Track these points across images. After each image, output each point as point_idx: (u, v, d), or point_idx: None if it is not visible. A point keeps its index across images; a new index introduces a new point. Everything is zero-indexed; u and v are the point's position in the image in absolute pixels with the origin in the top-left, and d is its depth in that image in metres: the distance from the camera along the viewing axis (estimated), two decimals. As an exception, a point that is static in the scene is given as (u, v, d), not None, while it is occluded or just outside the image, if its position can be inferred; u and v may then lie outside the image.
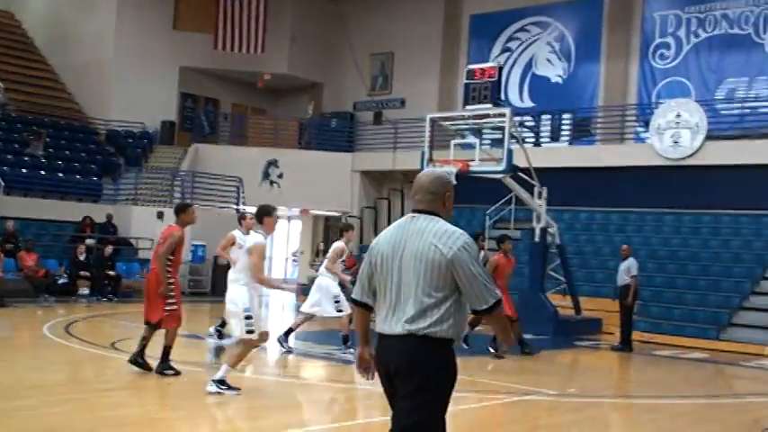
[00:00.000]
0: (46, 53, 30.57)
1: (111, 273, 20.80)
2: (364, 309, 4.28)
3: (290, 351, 12.52)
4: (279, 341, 12.45)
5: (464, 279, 3.98)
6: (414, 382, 3.96)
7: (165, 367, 9.62)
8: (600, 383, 12.24)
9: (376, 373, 4.24)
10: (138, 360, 9.70)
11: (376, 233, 26.06)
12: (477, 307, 4.03)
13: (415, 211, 4.16)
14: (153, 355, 9.82)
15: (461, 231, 4.08)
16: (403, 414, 3.99)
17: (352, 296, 4.32)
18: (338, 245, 12.87)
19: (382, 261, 4.12)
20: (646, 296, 17.68)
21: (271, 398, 9.61)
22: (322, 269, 13.02)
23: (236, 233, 12.59)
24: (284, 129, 30.02)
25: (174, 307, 9.68)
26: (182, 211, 9.98)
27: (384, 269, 4.11)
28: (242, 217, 12.85)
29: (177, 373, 9.61)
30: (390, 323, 4.04)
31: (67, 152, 26.59)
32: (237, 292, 8.98)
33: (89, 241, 22.04)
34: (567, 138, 24.89)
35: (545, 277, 18.45)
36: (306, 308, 12.85)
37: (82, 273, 20.70)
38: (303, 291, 24.99)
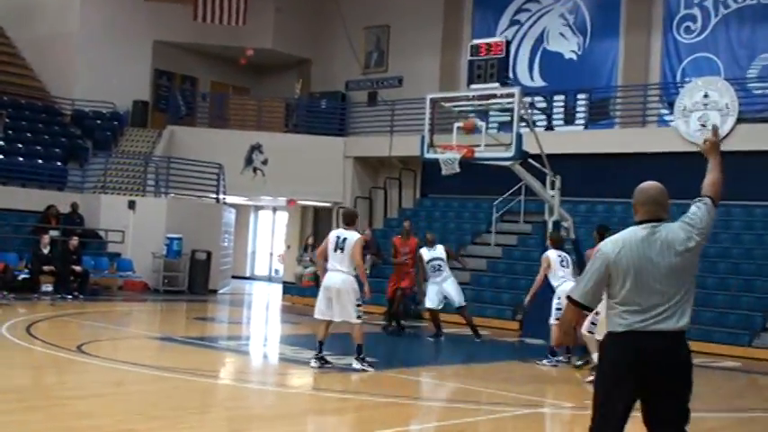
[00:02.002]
0: (4, 25, 30.34)
1: (77, 268, 20.64)
2: (585, 310, 5.04)
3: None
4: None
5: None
6: (683, 375, 4.87)
7: None
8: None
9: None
10: None
11: (371, 225, 26.07)
12: None
13: (647, 221, 4.95)
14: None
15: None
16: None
17: (579, 299, 4.96)
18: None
19: (630, 266, 4.84)
20: (670, 297, 17.55)
21: (253, 408, 9.54)
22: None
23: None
24: (269, 110, 29.91)
25: None
26: None
27: (635, 274, 4.82)
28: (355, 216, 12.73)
29: None
30: (654, 322, 4.78)
31: (29, 134, 26.44)
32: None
33: (53, 233, 21.93)
34: (582, 121, 24.80)
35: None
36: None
37: (45, 267, 20.57)
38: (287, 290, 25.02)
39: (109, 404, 8.79)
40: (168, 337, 14.59)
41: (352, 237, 11.50)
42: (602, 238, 12.98)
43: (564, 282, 13.31)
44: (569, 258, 13.86)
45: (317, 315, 11.66)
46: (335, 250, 11.47)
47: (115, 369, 10.73)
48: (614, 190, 22.00)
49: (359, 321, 11.48)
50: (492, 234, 22.85)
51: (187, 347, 13.42)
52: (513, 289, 19.92)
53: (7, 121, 25.82)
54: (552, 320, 13.34)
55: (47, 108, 28.44)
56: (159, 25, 29.26)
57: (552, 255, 13.69)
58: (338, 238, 11.53)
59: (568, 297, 5.06)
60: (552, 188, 17.81)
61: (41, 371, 10.86)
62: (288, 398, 10.38)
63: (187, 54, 30.73)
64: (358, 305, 11.45)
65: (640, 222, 4.97)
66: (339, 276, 11.41)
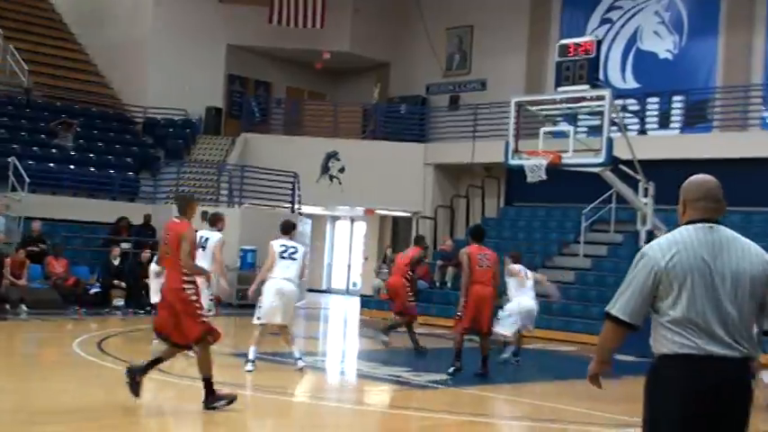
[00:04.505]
0: (76, 31, 31.20)
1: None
2: (628, 329, 4.39)
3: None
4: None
5: None
6: (746, 410, 4.28)
7: None
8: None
9: None
10: None
11: (452, 236, 26.08)
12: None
13: (705, 220, 4.41)
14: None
15: None
16: None
17: (621, 316, 4.36)
18: None
19: (688, 276, 4.26)
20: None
21: (329, 427, 9.64)
22: None
23: None
24: (346, 116, 30.14)
25: None
26: None
27: (694, 284, 4.25)
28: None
29: None
30: (716, 344, 4.21)
31: (100, 144, 27.06)
32: None
33: (124, 245, 22.35)
34: (678, 124, 24.49)
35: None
36: None
37: (116, 281, 21.01)
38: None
39: (182, 423, 8.98)
40: (241, 353, 14.77)
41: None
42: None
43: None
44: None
45: None
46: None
47: (191, 386, 10.91)
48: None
49: None
50: (581, 244, 22.67)
51: (259, 363, 13.58)
52: (603, 302, 19.58)
53: (78, 130, 26.34)
54: None
55: (118, 116, 29.11)
56: (233, 29, 29.73)
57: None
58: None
59: (607, 314, 4.43)
60: (645, 196, 17.65)
61: (114, 388, 11.08)
62: (364, 415, 10.45)
63: (261, 58, 31.15)
64: None
65: (690, 222, 4.41)
66: None
